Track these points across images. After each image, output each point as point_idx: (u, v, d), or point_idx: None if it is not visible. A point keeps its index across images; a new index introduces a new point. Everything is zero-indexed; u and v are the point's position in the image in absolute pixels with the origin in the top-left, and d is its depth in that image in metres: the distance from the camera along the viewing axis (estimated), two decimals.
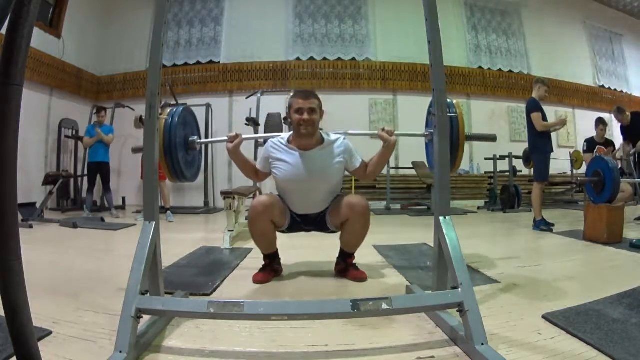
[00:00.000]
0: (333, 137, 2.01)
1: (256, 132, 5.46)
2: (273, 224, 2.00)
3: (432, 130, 1.55)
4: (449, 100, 1.62)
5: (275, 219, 1.99)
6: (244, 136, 1.86)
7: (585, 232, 3.19)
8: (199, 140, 1.83)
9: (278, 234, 2.10)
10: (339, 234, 2.10)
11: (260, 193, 5.60)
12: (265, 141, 2.12)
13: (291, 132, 2.03)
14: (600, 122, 4.83)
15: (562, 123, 3.98)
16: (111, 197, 5.40)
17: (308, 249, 2.79)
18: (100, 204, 6.19)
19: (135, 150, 1.78)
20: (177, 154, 1.68)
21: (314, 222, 2.07)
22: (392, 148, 1.84)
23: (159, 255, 1.49)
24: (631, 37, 8.74)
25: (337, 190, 2.06)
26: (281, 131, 4.50)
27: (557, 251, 2.91)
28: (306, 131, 1.89)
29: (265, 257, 2.14)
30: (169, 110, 1.71)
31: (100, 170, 5.25)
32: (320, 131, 2.02)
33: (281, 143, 1.99)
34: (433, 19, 1.51)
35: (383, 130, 1.81)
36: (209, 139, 2.08)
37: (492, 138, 1.97)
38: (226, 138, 1.84)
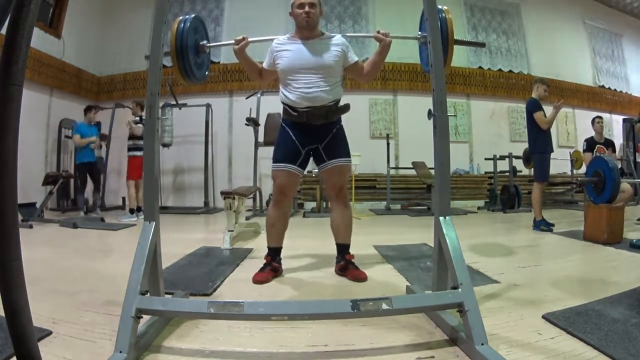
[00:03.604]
0: (333, 34, 2.13)
1: (256, 132, 5.46)
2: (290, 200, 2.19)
3: (425, 34, 1.67)
4: (439, 7, 1.67)
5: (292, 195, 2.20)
6: (250, 39, 1.99)
7: (585, 232, 3.19)
8: (208, 44, 1.95)
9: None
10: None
11: (260, 192, 5.62)
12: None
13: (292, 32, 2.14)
14: (597, 117, 4.84)
15: (559, 107, 3.68)
16: (98, 197, 5.46)
17: (308, 249, 2.79)
18: (93, 202, 6.21)
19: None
20: (188, 56, 1.82)
21: (317, 134, 2.06)
22: (387, 48, 1.98)
23: (159, 255, 1.49)
24: (631, 37, 8.73)
25: (337, 80, 2.07)
26: None
27: (557, 251, 2.90)
28: (307, 24, 2.01)
29: (268, 254, 2.16)
30: (180, 18, 1.85)
31: (90, 170, 5.34)
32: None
33: (284, 39, 2.09)
34: (433, 19, 1.51)
35: (378, 32, 1.94)
36: (218, 43, 2.20)
37: (480, 44, 2.22)
38: (233, 41, 1.99)
